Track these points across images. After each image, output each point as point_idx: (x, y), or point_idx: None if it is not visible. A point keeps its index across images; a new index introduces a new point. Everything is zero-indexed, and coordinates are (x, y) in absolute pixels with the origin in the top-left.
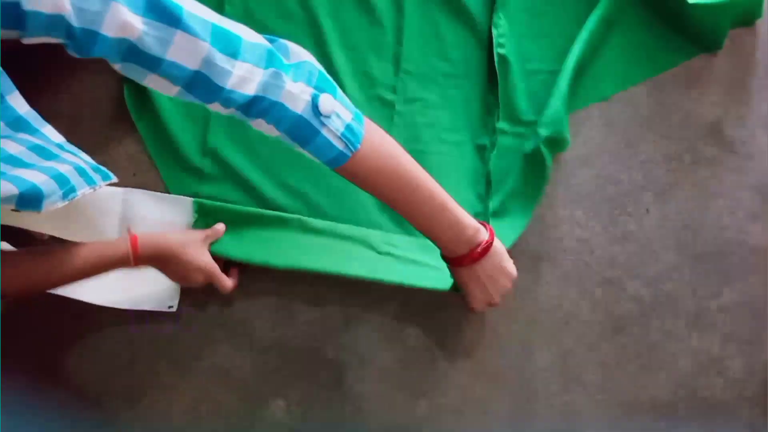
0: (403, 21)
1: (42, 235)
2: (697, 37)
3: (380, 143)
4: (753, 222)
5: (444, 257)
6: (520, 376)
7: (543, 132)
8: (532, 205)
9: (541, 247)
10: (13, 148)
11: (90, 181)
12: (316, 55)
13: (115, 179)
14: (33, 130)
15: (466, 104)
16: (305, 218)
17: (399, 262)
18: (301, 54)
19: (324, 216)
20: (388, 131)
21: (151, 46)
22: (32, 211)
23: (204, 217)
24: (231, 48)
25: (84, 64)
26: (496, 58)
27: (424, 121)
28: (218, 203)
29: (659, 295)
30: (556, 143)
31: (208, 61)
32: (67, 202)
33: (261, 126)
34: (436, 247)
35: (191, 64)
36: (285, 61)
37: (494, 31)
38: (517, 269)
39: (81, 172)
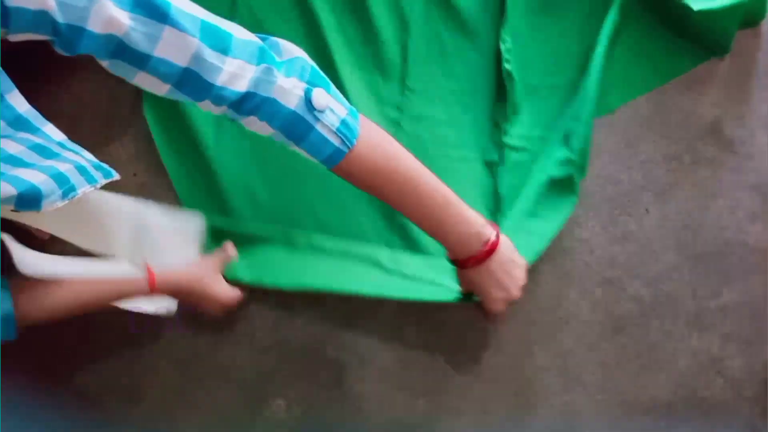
0: (408, 39)
1: (43, 234)
2: (704, 43)
3: (377, 139)
4: (753, 222)
5: (453, 261)
6: (520, 376)
7: (576, 160)
8: (554, 229)
9: None
10: (12, 147)
11: (91, 180)
12: None
13: (117, 176)
14: (34, 129)
15: (472, 120)
16: (314, 236)
17: (407, 280)
18: (293, 50)
19: (332, 231)
20: None
21: (139, 42)
22: (32, 211)
23: (215, 239)
24: (221, 44)
25: (84, 64)
26: (504, 73)
27: (431, 138)
28: (228, 220)
29: (659, 295)
30: (583, 170)
31: (197, 58)
32: (66, 201)
33: (253, 124)
34: (445, 265)
35: (180, 60)
36: (277, 59)
37: (502, 46)
38: None
39: (82, 170)
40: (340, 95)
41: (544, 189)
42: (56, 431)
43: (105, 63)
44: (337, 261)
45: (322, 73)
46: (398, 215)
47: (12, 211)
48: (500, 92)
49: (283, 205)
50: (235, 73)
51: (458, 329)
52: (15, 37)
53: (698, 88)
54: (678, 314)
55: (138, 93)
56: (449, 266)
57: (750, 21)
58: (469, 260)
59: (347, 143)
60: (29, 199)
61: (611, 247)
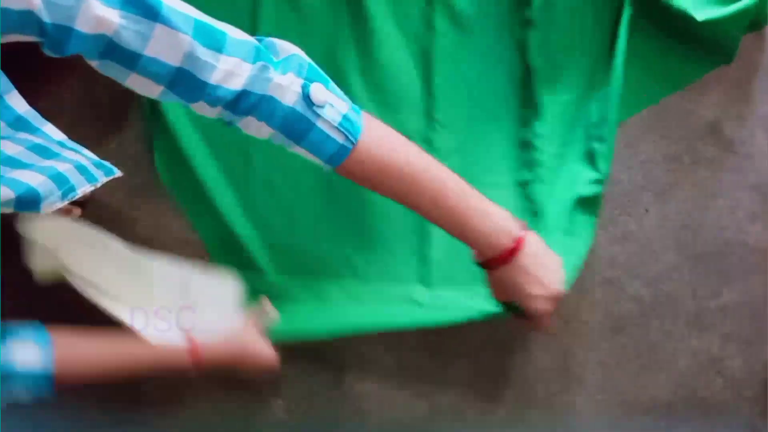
0: (431, 72)
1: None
2: (710, 52)
3: (383, 134)
4: (753, 222)
5: (482, 264)
6: (520, 376)
7: (604, 179)
8: (587, 246)
9: None
10: (11, 148)
11: (91, 179)
12: None
13: (119, 173)
14: (33, 129)
15: (499, 144)
16: (346, 282)
17: (444, 310)
18: (289, 48)
19: (363, 275)
20: None
21: (130, 41)
22: (32, 213)
23: (255, 299)
24: (215, 42)
25: (84, 64)
26: (535, 93)
27: (462, 166)
28: (265, 281)
29: (659, 295)
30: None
31: (190, 56)
32: (66, 202)
33: (251, 126)
34: (480, 292)
35: (173, 59)
36: (274, 58)
37: (531, 67)
38: None
39: (81, 169)
40: (341, 91)
41: (575, 206)
42: (56, 431)
43: (95, 63)
44: (373, 304)
45: (320, 70)
46: (430, 251)
47: (12, 213)
48: (528, 111)
49: (311, 253)
50: (230, 71)
51: (458, 329)
52: (5, 39)
53: (698, 89)
54: (678, 314)
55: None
56: (485, 292)
57: (754, 25)
58: (499, 258)
59: (351, 139)
60: (28, 202)
61: (611, 247)
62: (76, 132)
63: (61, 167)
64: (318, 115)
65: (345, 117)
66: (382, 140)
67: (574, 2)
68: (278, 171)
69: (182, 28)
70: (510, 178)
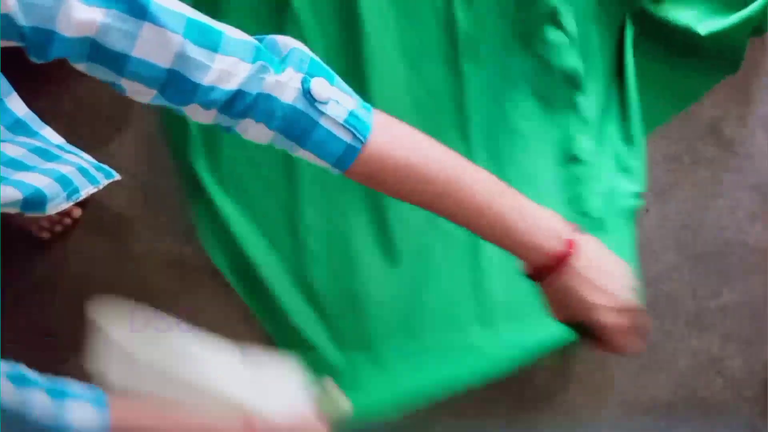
0: (462, 92)
1: (43, 234)
2: (716, 64)
3: (398, 131)
4: (753, 222)
5: (531, 275)
6: (520, 376)
7: (641, 191)
8: (632, 255)
9: None
10: (13, 151)
11: (93, 180)
12: None
13: (117, 177)
14: (32, 133)
15: (536, 162)
16: (404, 345)
17: (507, 350)
18: (289, 43)
19: (418, 332)
20: None
21: (116, 41)
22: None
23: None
24: (210, 42)
25: None
26: (583, 112)
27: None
28: (325, 360)
29: (659, 295)
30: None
31: (181, 56)
32: (71, 203)
33: (249, 129)
34: (547, 323)
35: (163, 61)
36: (276, 58)
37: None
38: None
39: (83, 171)
40: (349, 88)
41: (617, 217)
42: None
43: (81, 66)
44: (435, 363)
45: (323, 64)
46: (479, 290)
47: (17, 213)
48: (563, 126)
49: (365, 321)
50: (226, 71)
51: None
52: None
53: None
54: (678, 314)
55: None
56: (546, 320)
57: (756, 31)
58: (549, 266)
59: (359, 137)
60: (34, 203)
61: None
62: (76, 132)
63: (64, 169)
64: (321, 113)
65: (352, 113)
66: (397, 139)
67: (579, 29)
68: (324, 237)
69: (172, 26)
70: (555, 193)
